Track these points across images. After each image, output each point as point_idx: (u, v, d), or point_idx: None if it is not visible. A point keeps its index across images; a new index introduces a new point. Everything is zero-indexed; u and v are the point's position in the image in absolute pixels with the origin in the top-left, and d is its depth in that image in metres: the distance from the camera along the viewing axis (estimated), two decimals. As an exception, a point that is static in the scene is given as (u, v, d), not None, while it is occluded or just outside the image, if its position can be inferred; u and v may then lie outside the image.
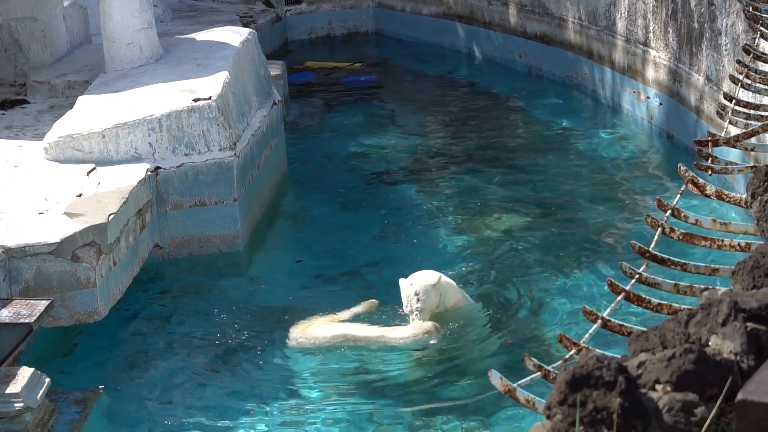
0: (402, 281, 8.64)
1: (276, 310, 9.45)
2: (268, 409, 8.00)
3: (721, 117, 6.88)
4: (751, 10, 8.58)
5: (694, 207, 9.65)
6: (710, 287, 4.49)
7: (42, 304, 7.86)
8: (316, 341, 8.59)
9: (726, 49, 11.31)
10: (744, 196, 5.16)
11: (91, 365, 8.61)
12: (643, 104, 13.74)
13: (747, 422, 2.71)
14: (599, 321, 4.43)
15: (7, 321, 7.64)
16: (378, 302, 9.09)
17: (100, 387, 8.00)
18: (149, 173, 9.66)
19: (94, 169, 9.54)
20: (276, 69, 13.60)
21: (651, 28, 13.37)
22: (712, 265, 4.88)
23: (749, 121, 6.78)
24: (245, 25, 15.14)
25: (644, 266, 4.86)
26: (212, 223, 10.05)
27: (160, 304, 9.57)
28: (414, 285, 8.50)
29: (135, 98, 10.26)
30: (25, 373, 7.19)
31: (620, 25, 14.17)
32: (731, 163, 6.46)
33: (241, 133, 10.51)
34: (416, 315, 8.46)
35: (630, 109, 14.09)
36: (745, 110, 6.97)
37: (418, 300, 8.45)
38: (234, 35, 11.79)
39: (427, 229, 11.04)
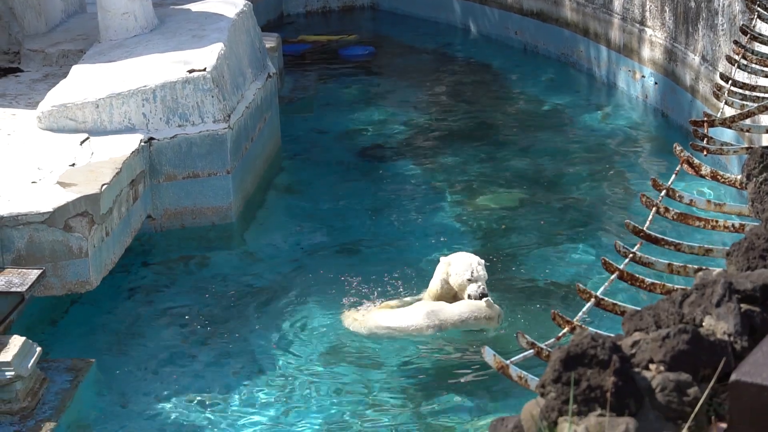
0: (448, 258, 8.58)
1: (267, 283, 9.46)
2: (259, 380, 8.01)
3: (717, 97, 6.88)
4: (748, -10, 8.57)
5: (688, 187, 9.67)
6: (704, 267, 4.50)
7: (34, 273, 7.86)
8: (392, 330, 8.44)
9: (722, 29, 11.30)
10: (739, 177, 5.16)
11: (82, 335, 8.62)
12: (638, 83, 13.73)
13: (740, 403, 2.72)
14: (593, 299, 4.44)
15: (-1, 290, 7.65)
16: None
17: (92, 359, 7.99)
18: (143, 144, 9.63)
19: (87, 138, 9.51)
20: (271, 41, 13.55)
21: (648, 6, 13.34)
22: (706, 246, 4.88)
23: (745, 102, 6.78)
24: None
25: (638, 245, 4.87)
26: (205, 194, 10.04)
27: (152, 275, 9.57)
28: (472, 257, 8.50)
29: (129, 68, 10.22)
30: (16, 341, 7.20)
31: (617, 4, 14.14)
32: (726, 143, 6.47)
33: (235, 105, 10.49)
34: (481, 283, 8.39)
35: (625, 88, 14.07)
36: (741, 91, 6.97)
37: (483, 267, 8.46)
38: (229, 7, 11.74)
39: (420, 205, 11.04)
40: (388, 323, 8.40)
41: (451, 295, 8.53)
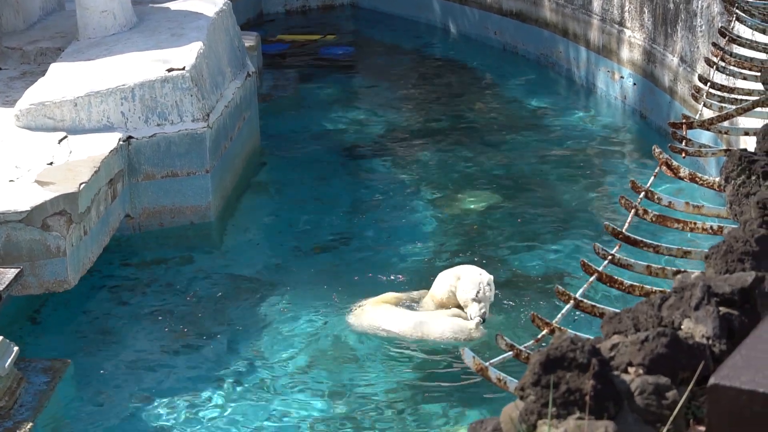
0: (452, 272, 8.54)
1: (245, 282, 9.44)
2: (237, 380, 8.00)
3: (696, 99, 6.90)
4: (727, -8, 8.60)
5: (666, 189, 9.69)
6: (682, 270, 4.51)
7: (11, 273, 7.83)
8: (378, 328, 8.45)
9: (701, 31, 11.35)
10: (717, 179, 5.18)
11: (60, 334, 8.58)
12: (617, 84, 13.77)
13: (718, 406, 2.73)
14: (572, 301, 4.45)
15: (-25, 289, 7.60)
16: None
17: (69, 359, 7.96)
18: (121, 143, 9.60)
19: (65, 137, 9.47)
20: (250, 40, 13.52)
21: (627, 8, 13.38)
22: (684, 248, 4.90)
23: (723, 104, 6.80)
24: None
25: (617, 247, 4.88)
26: (184, 194, 10.01)
27: (130, 275, 9.54)
28: (483, 275, 8.43)
29: (108, 67, 10.19)
30: (-7, 341, 7.16)
31: (596, 5, 14.17)
32: (705, 146, 6.49)
33: (214, 104, 10.46)
34: (485, 305, 8.35)
35: (604, 89, 14.11)
36: (719, 93, 6.99)
37: (490, 289, 8.39)
38: (209, 5, 11.71)
39: (400, 205, 11.04)
40: (377, 323, 8.41)
41: (453, 304, 8.51)
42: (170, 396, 7.80)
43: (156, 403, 7.72)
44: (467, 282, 8.42)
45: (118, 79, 9.87)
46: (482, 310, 8.35)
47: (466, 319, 8.37)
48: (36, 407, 7.24)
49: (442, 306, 8.55)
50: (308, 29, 18.11)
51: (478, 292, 8.36)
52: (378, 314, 8.48)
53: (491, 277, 8.52)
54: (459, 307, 8.47)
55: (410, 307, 8.66)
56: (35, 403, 7.28)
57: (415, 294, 8.83)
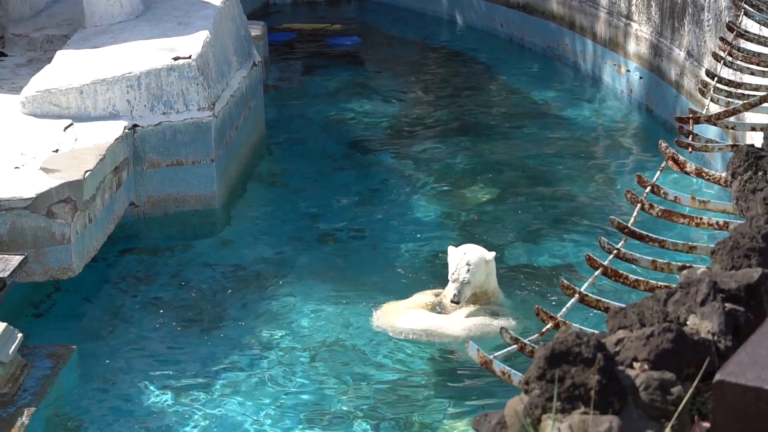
0: (453, 249, 8.28)
1: (249, 272, 9.45)
2: (240, 368, 8.00)
3: (703, 94, 6.89)
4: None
5: (672, 183, 9.68)
6: (687, 265, 4.51)
7: (16, 259, 7.84)
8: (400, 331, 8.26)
9: (708, 25, 11.32)
10: (723, 174, 5.18)
11: (64, 321, 8.59)
12: (623, 77, 13.75)
13: (723, 403, 2.73)
14: (576, 295, 4.45)
15: (-20, 275, 7.61)
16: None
17: (73, 345, 7.97)
18: (127, 131, 9.60)
19: (71, 124, 9.47)
20: (256, 30, 13.51)
21: (634, 1, 13.36)
22: (690, 243, 4.90)
23: (730, 99, 6.80)
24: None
25: (622, 242, 4.88)
26: (189, 182, 10.01)
27: (135, 263, 9.55)
28: (467, 254, 8.14)
29: (114, 55, 10.18)
30: (-3, 327, 7.17)
31: (603, -2, 14.15)
32: (711, 140, 6.49)
33: (220, 93, 10.46)
34: (460, 286, 8.14)
35: (610, 82, 14.09)
36: (726, 88, 6.99)
37: (468, 270, 8.10)
38: (216, -6, 11.69)
39: (405, 196, 11.03)
40: (396, 324, 8.26)
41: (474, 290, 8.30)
42: (174, 383, 7.81)
43: (159, 390, 7.72)
44: (450, 260, 8.22)
45: (124, 67, 9.87)
46: (453, 293, 8.14)
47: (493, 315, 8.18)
48: (40, 393, 7.25)
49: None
50: (315, 19, 18.09)
51: (453, 272, 8.17)
52: (407, 318, 8.29)
53: (484, 257, 8.22)
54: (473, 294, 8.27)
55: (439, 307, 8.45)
56: (39, 389, 7.29)
57: (443, 292, 8.56)
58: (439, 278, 8.98)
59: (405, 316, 8.32)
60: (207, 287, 9.14)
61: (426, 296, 8.58)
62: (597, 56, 14.41)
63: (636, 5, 13.30)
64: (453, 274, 8.17)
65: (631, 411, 2.90)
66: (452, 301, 8.19)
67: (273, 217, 10.69)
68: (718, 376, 2.73)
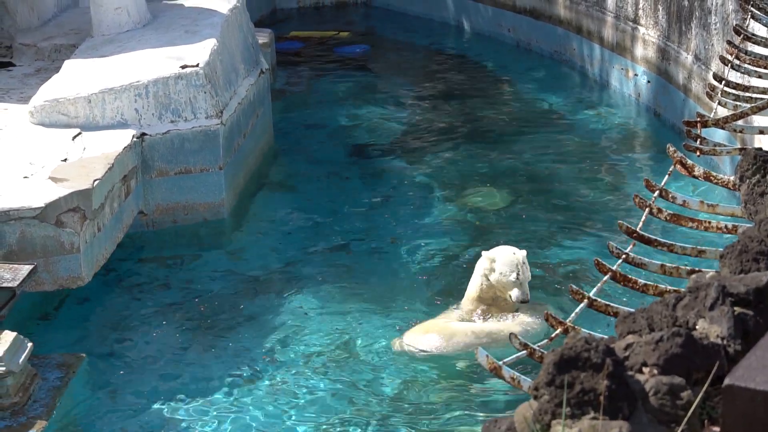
0: (493, 253, 8.19)
1: (258, 279, 9.45)
2: (250, 378, 8.00)
3: (711, 98, 6.89)
4: (742, -10, 8.58)
5: (680, 187, 9.67)
6: (696, 269, 4.50)
7: (25, 269, 7.84)
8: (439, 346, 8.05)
9: (715, 29, 11.31)
10: (731, 178, 5.17)
11: (73, 331, 8.60)
12: (630, 81, 13.74)
13: (733, 407, 2.72)
14: (585, 300, 4.45)
15: (-10, 285, 7.62)
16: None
17: (83, 354, 7.97)
18: (135, 139, 9.61)
19: (79, 134, 9.49)
20: (264, 37, 13.53)
21: (641, 5, 13.35)
22: (699, 247, 4.89)
23: (738, 103, 6.79)
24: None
25: (631, 246, 4.87)
26: (197, 190, 10.02)
27: (144, 271, 9.55)
28: (517, 253, 8.13)
29: (122, 63, 10.20)
30: (7, 337, 7.18)
31: (610, 2, 14.14)
32: (720, 144, 6.48)
33: (228, 101, 10.47)
34: (524, 284, 8.13)
35: (618, 86, 14.08)
36: (734, 91, 6.98)
37: (527, 268, 8.14)
38: (222, 2, 11.71)
39: (413, 203, 11.03)
40: (441, 344, 8.05)
41: (490, 296, 8.24)
42: (183, 393, 7.81)
43: (169, 400, 7.73)
44: (503, 265, 8.13)
45: (132, 75, 9.89)
46: (525, 293, 8.09)
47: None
48: (50, 403, 7.26)
49: (480, 301, 8.25)
50: (322, 27, 18.10)
51: (518, 274, 8.11)
52: (460, 331, 8.10)
53: (524, 252, 8.25)
54: (494, 298, 8.21)
55: (464, 320, 8.32)
56: (49, 399, 7.30)
57: (454, 314, 8.44)
58: (450, 284, 8.99)
59: (456, 330, 8.09)
60: (216, 296, 9.14)
61: (451, 313, 8.44)
62: (604, 60, 14.40)
63: (643, 9, 13.30)
64: (513, 274, 8.10)
65: (641, 416, 2.89)
66: (522, 301, 8.13)
67: (282, 224, 10.69)
68: (727, 381, 2.73)
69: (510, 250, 8.26)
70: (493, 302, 8.27)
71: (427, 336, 8.08)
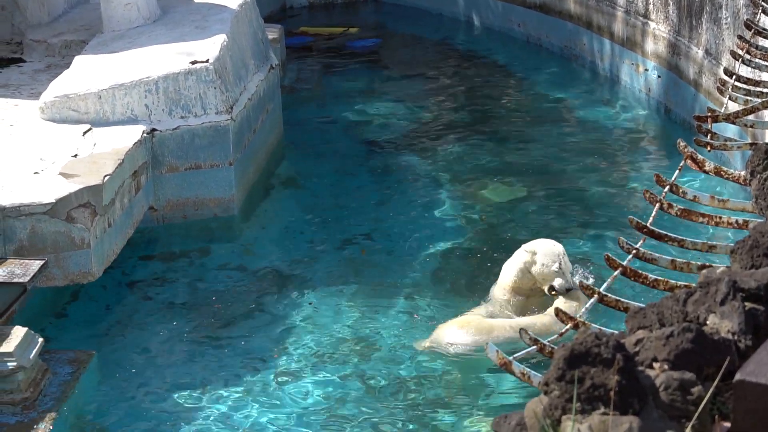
0: (533, 246, 8.31)
1: (268, 275, 9.45)
2: (259, 373, 8.01)
3: (721, 93, 6.87)
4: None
5: (691, 182, 9.65)
6: (707, 264, 4.49)
7: (36, 264, 7.86)
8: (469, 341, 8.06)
9: (726, 23, 11.28)
10: (743, 173, 5.15)
11: (84, 326, 8.62)
12: (641, 76, 13.71)
13: (744, 402, 2.72)
14: (596, 296, 4.44)
15: (1, 280, 7.64)
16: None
17: (93, 350, 7.99)
18: (145, 135, 9.62)
19: (90, 129, 9.51)
20: (273, 33, 13.53)
21: (651, 0, 13.32)
22: (710, 242, 4.88)
23: (749, 98, 6.77)
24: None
25: (642, 241, 4.86)
26: (207, 186, 10.03)
27: (154, 267, 9.57)
28: (557, 245, 8.28)
29: (132, 59, 10.21)
30: (18, 332, 7.20)
31: (620, -3, 14.12)
32: (730, 139, 6.47)
33: (237, 96, 10.48)
34: (564, 274, 8.21)
35: (628, 81, 14.05)
36: (745, 86, 6.96)
37: (567, 259, 8.28)
38: (232, -2, 11.71)
39: (423, 198, 11.02)
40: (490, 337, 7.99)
41: (528, 287, 8.34)
42: (193, 388, 7.82)
43: (178, 395, 7.74)
44: (545, 257, 8.25)
45: (142, 71, 9.90)
46: (568, 282, 8.20)
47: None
48: (60, 398, 7.29)
49: (515, 292, 8.34)
50: (331, 22, 18.09)
51: (560, 265, 8.22)
52: (498, 327, 8.11)
53: (562, 246, 8.39)
54: (531, 288, 8.27)
55: (495, 315, 8.35)
56: (59, 394, 7.32)
57: (483, 309, 8.46)
58: (461, 279, 8.98)
59: (493, 325, 8.10)
60: (226, 292, 9.15)
61: (479, 309, 8.47)
62: (615, 55, 14.37)
63: (653, 4, 13.27)
64: (555, 264, 8.22)
65: (651, 411, 2.89)
66: (567, 289, 8.21)
67: (292, 220, 10.70)
68: (738, 376, 2.72)
69: (550, 242, 8.41)
70: (530, 293, 8.35)
71: (463, 331, 8.10)
